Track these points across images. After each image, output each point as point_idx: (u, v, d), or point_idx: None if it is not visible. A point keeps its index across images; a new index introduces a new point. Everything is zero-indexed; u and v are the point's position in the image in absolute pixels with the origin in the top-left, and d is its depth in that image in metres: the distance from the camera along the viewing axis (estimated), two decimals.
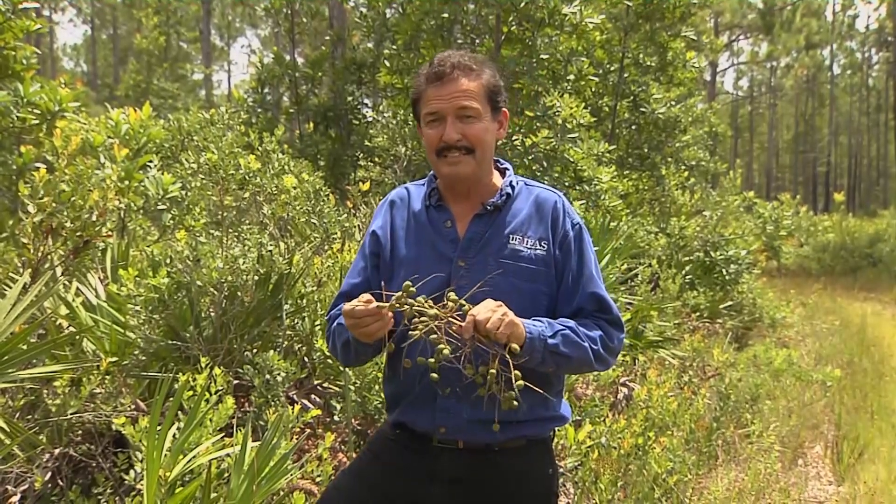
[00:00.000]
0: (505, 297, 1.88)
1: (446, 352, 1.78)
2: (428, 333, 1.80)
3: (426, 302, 1.83)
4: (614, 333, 2.05)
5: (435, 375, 1.81)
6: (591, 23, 8.42)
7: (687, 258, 9.54)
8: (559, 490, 2.17)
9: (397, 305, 1.82)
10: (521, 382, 1.77)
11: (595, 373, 4.76)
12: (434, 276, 1.95)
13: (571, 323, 1.98)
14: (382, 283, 1.97)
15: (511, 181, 2.13)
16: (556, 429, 2.20)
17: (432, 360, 1.80)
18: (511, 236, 2.05)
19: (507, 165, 2.20)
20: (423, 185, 2.20)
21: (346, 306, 1.84)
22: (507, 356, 1.77)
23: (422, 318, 1.81)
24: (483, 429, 1.97)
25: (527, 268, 2.02)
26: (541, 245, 2.05)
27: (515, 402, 1.78)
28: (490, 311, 1.79)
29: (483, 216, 2.08)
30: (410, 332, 1.82)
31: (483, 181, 2.11)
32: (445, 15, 8.61)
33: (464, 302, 1.83)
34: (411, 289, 1.83)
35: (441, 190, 2.14)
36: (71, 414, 3.22)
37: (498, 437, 1.99)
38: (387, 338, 1.89)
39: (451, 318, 1.81)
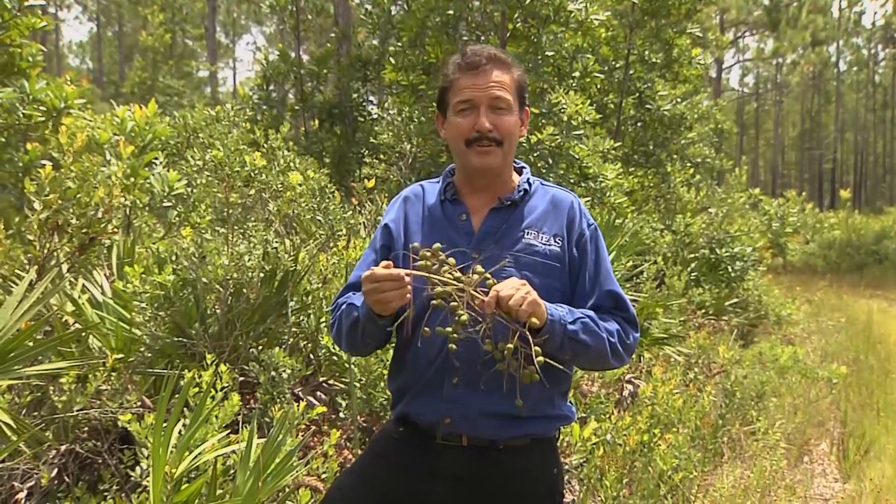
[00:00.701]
0: None
1: (464, 318, 1.78)
2: (448, 300, 1.80)
3: (452, 268, 1.83)
4: (630, 331, 2.06)
5: (454, 347, 1.81)
6: (596, 19, 8.41)
7: (692, 255, 9.53)
8: (564, 489, 2.17)
9: (426, 264, 1.82)
10: (541, 359, 1.76)
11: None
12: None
13: (591, 313, 1.99)
14: (411, 244, 1.96)
15: (528, 179, 2.16)
16: (561, 428, 2.20)
17: (449, 329, 1.80)
18: (526, 231, 2.06)
19: (524, 165, 2.21)
20: (438, 181, 2.21)
21: (367, 272, 1.84)
22: (528, 334, 1.77)
23: (445, 286, 1.81)
24: (488, 423, 1.98)
25: (541, 262, 2.02)
26: (555, 241, 2.06)
27: (536, 376, 1.78)
28: (514, 289, 1.79)
29: (499, 210, 2.09)
30: (434, 297, 1.81)
31: (503, 176, 2.13)
32: (451, 12, 8.60)
33: (489, 276, 1.83)
34: (440, 252, 1.84)
35: (457, 184, 2.15)
36: (77, 411, 3.23)
37: (503, 434, 1.99)
38: (411, 304, 1.87)
39: (474, 292, 1.80)
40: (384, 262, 1.85)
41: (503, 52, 2.11)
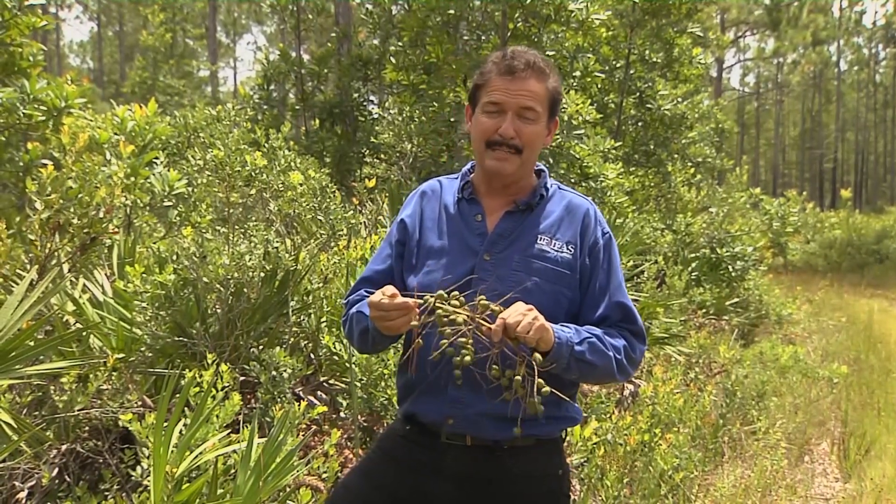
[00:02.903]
0: (527, 295, 1.90)
1: (468, 359, 1.79)
2: (456, 336, 1.80)
3: (458, 300, 1.83)
4: (637, 345, 2.05)
5: (458, 373, 1.82)
6: (597, 19, 8.39)
7: (693, 255, 9.53)
8: (570, 491, 2.17)
9: (428, 306, 1.83)
10: (546, 389, 1.76)
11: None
12: (458, 269, 1.96)
13: (598, 331, 1.98)
14: (415, 293, 1.97)
15: (546, 183, 2.14)
16: (567, 429, 2.19)
17: (458, 359, 1.80)
18: (539, 237, 2.05)
19: (543, 168, 2.20)
20: (457, 178, 2.20)
21: (373, 298, 1.84)
22: (534, 361, 1.77)
23: (451, 323, 1.81)
24: (491, 424, 1.97)
25: (552, 269, 2.02)
26: (567, 248, 2.05)
27: (541, 407, 1.77)
28: (521, 315, 1.79)
29: (514, 214, 2.09)
30: (440, 338, 1.82)
31: (520, 181, 2.12)
32: (451, 11, 8.59)
33: (494, 306, 1.83)
34: (444, 296, 1.85)
35: (475, 184, 2.15)
36: (78, 410, 3.23)
37: (506, 435, 1.99)
38: (414, 333, 1.89)
39: (480, 321, 1.81)
40: (389, 290, 1.84)
41: (544, 59, 2.07)
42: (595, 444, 3.88)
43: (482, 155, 2.07)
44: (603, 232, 2.11)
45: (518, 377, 1.78)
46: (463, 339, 1.80)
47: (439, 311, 1.82)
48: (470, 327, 1.80)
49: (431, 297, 1.84)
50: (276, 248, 4.03)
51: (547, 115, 2.07)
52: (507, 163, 2.03)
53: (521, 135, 2.01)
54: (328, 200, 4.93)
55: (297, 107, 11.23)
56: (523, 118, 2.02)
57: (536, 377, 1.76)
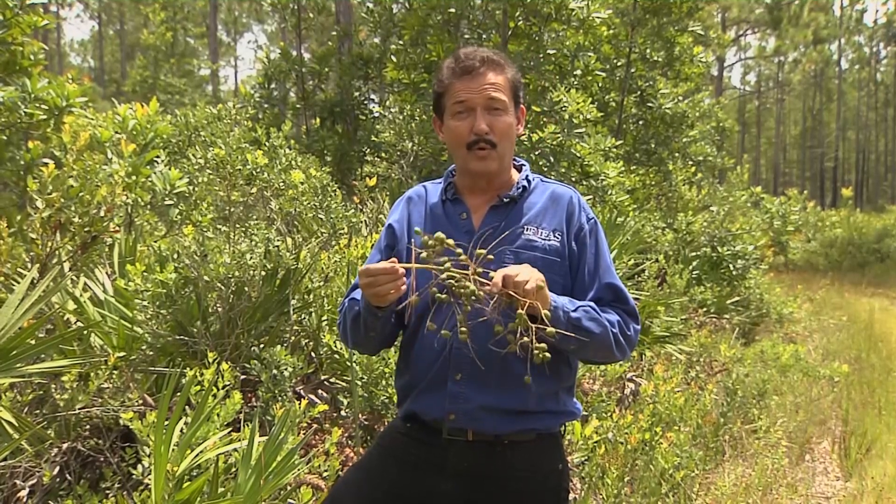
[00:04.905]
0: None
1: (471, 288, 1.79)
2: (457, 282, 1.80)
3: (456, 250, 1.85)
4: (630, 322, 2.07)
5: (464, 332, 1.81)
6: (598, 18, 8.40)
7: (694, 253, 9.52)
8: (570, 486, 2.18)
9: (430, 253, 1.84)
10: (551, 330, 1.76)
11: (604, 366, 4.76)
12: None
13: (592, 304, 2.01)
14: (415, 230, 2.03)
15: (527, 176, 2.18)
16: (567, 424, 2.20)
17: (460, 317, 1.80)
18: (526, 227, 2.08)
19: (523, 162, 2.23)
20: (440, 182, 2.23)
21: (362, 267, 1.88)
22: (535, 305, 1.77)
23: (451, 274, 1.82)
24: (491, 418, 1.99)
25: (541, 258, 2.04)
26: (555, 236, 2.08)
27: (547, 355, 1.77)
28: (519, 269, 1.81)
29: (499, 208, 2.11)
30: (440, 283, 1.82)
31: (502, 176, 2.15)
32: (452, 10, 8.60)
33: (491, 257, 1.85)
34: (448, 241, 1.86)
35: (457, 184, 2.18)
36: (79, 409, 3.23)
37: (506, 429, 2.00)
38: (412, 291, 1.89)
39: (477, 278, 1.82)
40: (390, 260, 1.87)
41: (496, 52, 2.12)
42: (596, 442, 3.88)
43: (464, 159, 2.10)
44: (588, 217, 2.14)
45: (522, 314, 1.77)
46: (463, 287, 1.80)
47: (431, 249, 1.84)
48: (467, 276, 1.81)
49: (430, 238, 1.86)
50: (277, 246, 4.03)
51: (513, 105, 2.11)
52: (489, 160, 2.07)
53: (494, 129, 2.05)
54: (329, 199, 4.93)
55: (298, 105, 11.23)
56: (492, 111, 2.05)
57: (536, 327, 1.76)
